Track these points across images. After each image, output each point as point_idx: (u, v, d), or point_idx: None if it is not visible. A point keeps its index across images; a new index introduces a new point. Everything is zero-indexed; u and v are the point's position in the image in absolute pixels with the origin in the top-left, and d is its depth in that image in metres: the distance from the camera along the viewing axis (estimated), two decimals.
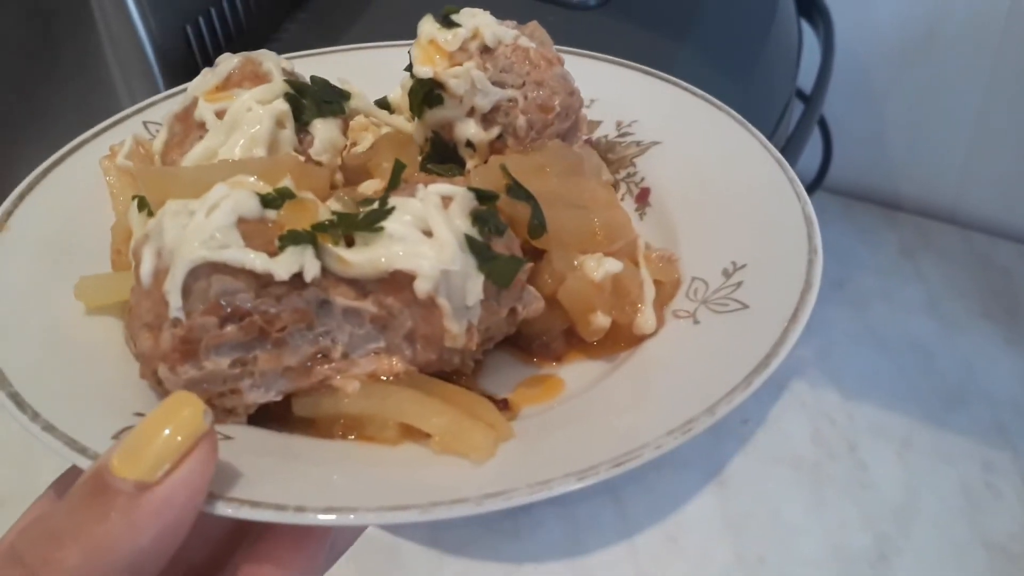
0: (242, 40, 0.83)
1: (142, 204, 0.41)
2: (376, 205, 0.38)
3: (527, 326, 0.41)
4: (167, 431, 0.29)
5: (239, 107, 0.41)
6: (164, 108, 0.49)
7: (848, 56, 0.97)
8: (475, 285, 0.37)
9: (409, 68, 0.44)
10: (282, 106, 0.41)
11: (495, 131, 0.43)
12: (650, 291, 0.43)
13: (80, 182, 0.47)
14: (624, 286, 0.42)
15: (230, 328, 0.33)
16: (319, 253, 0.35)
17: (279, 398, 0.37)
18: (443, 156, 0.44)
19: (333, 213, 0.37)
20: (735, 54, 0.81)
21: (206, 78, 0.44)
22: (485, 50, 0.43)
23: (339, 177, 0.44)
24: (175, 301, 0.33)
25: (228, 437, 0.35)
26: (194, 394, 0.31)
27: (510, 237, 0.39)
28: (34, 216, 0.46)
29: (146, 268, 0.34)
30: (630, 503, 0.80)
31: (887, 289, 1.01)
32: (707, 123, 0.52)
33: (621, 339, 0.42)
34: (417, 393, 0.37)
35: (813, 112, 0.88)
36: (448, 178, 0.43)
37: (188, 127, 0.43)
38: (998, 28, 0.93)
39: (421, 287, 0.36)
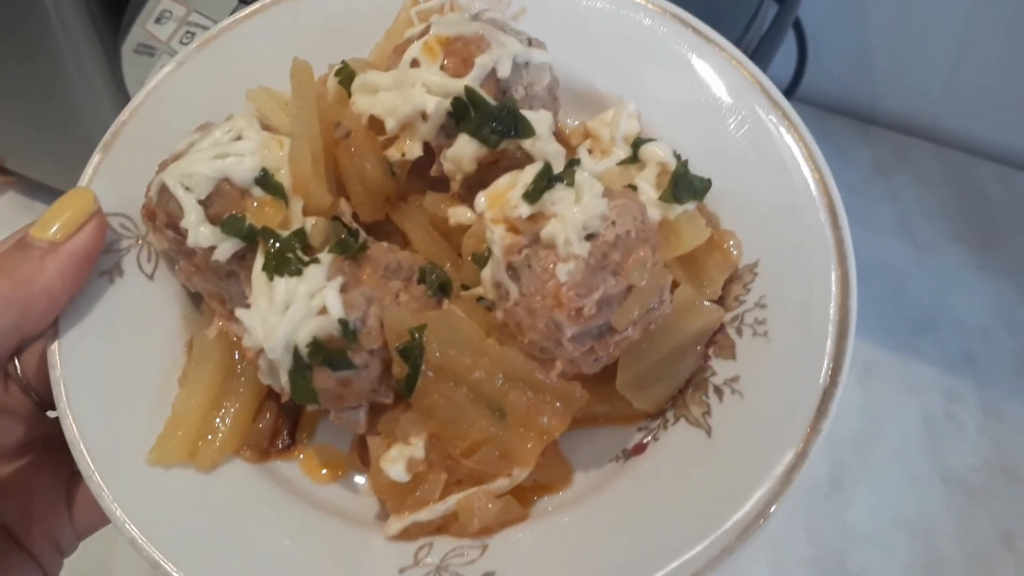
0: None
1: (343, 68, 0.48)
2: (302, 258, 0.42)
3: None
4: (71, 210, 0.43)
5: (415, 77, 0.44)
6: None
7: None
8: (278, 378, 0.42)
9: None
10: (431, 106, 0.43)
11: (492, 294, 0.43)
12: (422, 515, 0.43)
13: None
14: (400, 490, 0.43)
15: (169, 231, 0.44)
16: (251, 247, 0.43)
17: (192, 291, 0.47)
18: (486, 261, 0.44)
19: (296, 235, 0.43)
20: None
21: (457, 21, 0.46)
22: (537, 239, 0.41)
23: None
24: (153, 187, 0.44)
25: (150, 278, 0.47)
26: (88, 188, 0.45)
27: (350, 376, 0.42)
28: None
29: (179, 146, 0.45)
30: None
31: (859, 208, 0.97)
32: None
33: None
34: (206, 379, 0.45)
35: (788, 14, 0.82)
36: (402, 287, 0.44)
37: (404, 49, 0.46)
38: None
39: (245, 340, 0.42)
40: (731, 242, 0.46)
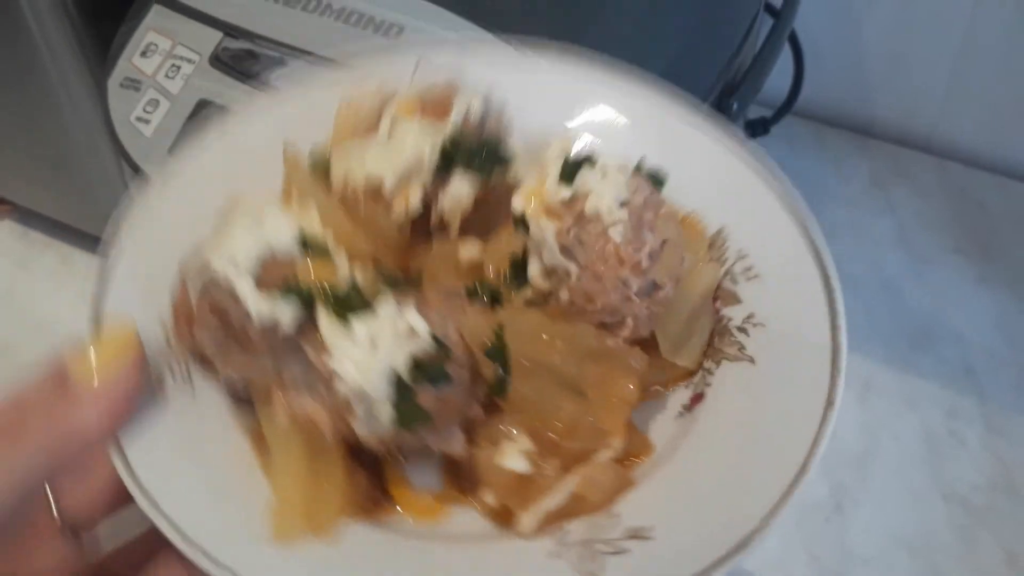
0: None
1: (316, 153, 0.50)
2: (368, 298, 0.43)
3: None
4: (111, 345, 0.42)
5: (404, 131, 0.47)
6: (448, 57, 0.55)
7: None
8: (384, 413, 0.41)
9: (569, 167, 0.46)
10: (427, 151, 0.46)
11: (548, 284, 0.45)
12: (551, 500, 0.44)
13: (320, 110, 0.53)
14: (522, 485, 0.44)
15: (216, 323, 0.43)
16: (307, 308, 0.42)
17: (242, 385, 0.45)
18: (521, 266, 0.46)
19: (348, 285, 0.43)
20: None
21: (418, 82, 0.50)
22: (582, 215, 0.44)
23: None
24: (192, 283, 0.43)
25: (194, 391, 0.46)
26: (129, 320, 0.44)
27: (448, 395, 0.42)
28: (265, 120, 0.54)
29: (205, 242, 0.44)
30: None
31: (856, 221, 0.96)
32: (808, 376, 0.47)
33: (501, 518, 0.45)
34: (295, 459, 0.44)
35: (783, 28, 0.82)
36: (464, 302, 0.46)
37: (378, 114, 0.49)
38: None
39: (339, 387, 0.41)
40: (693, 218, 0.52)
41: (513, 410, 0.44)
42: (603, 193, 0.44)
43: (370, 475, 0.46)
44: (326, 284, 0.43)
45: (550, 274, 0.45)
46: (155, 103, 0.67)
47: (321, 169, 0.48)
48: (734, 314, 0.49)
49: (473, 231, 0.48)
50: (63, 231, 0.96)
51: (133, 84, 0.68)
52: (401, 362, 0.41)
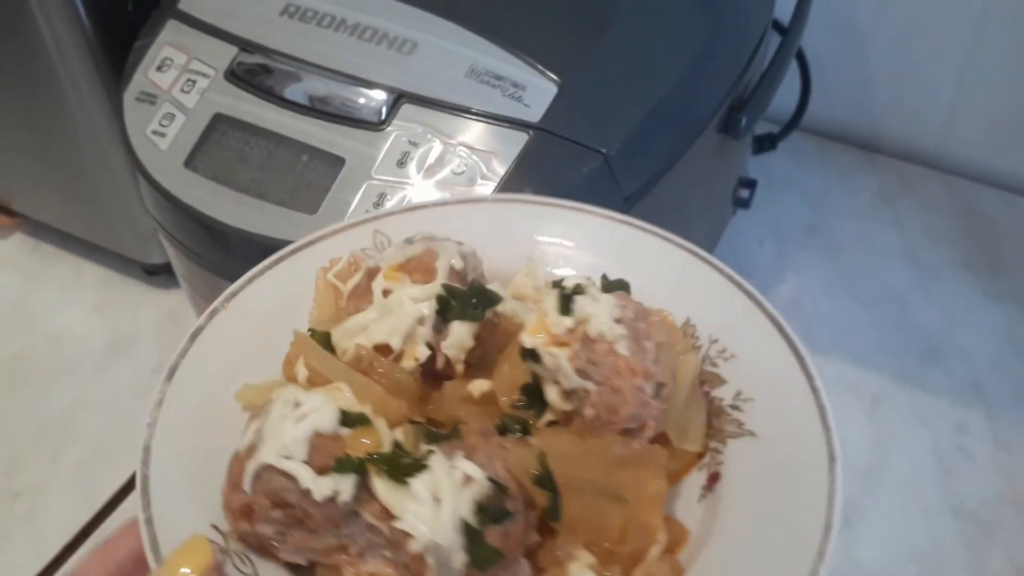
0: None
1: (314, 333, 0.52)
2: (420, 456, 0.46)
3: None
4: (188, 564, 0.43)
5: (397, 298, 0.50)
6: (400, 222, 0.58)
7: None
8: (458, 559, 0.44)
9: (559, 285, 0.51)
10: (426, 310, 0.50)
11: (569, 406, 0.49)
12: None
13: (302, 279, 0.55)
14: None
15: (276, 511, 0.44)
16: (365, 480, 0.45)
17: (304, 563, 0.47)
18: (534, 392, 0.50)
19: (393, 448, 0.46)
20: None
21: (396, 252, 0.53)
22: (587, 338, 0.48)
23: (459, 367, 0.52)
24: (247, 480, 0.45)
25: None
26: (206, 538, 0.45)
27: (511, 529, 0.45)
28: (250, 304, 0.55)
29: (245, 440, 0.46)
30: None
31: (863, 236, 0.96)
32: (809, 441, 0.50)
33: None
34: None
35: (791, 45, 0.82)
36: (500, 439, 0.49)
37: (367, 288, 0.52)
38: None
39: (413, 546, 0.43)
40: (661, 313, 0.54)
41: (567, 530, 0.47)
42: (599, 315, 0.49)
43: None
44: (376, 453, 0.45)
45: (569, 395, 0.49)
46: (171, 117, 0.67)
47: (323, 346, 0.52)
48: (723, 394, 0.53)
49: (473, 366, 0.52)
50: (73, 243, 0.97)
51: (149, 98, 0.69)
52: (466, 509, 0.44)
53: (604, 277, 0.54)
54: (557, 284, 0.53)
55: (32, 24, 0.74)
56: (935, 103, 0.99)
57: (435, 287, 0.51)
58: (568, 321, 0.49)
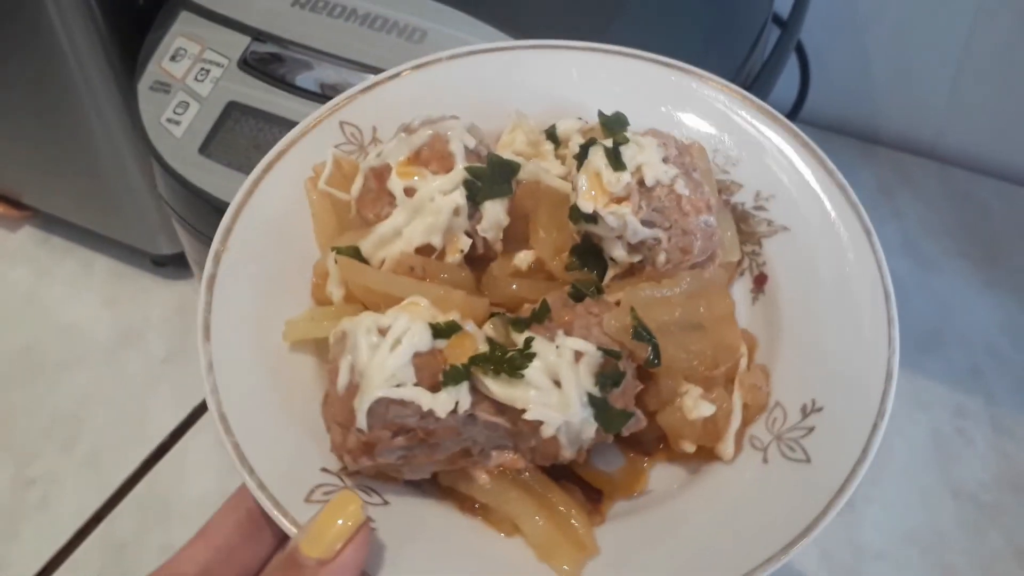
0: None
1: (342, 251, 0.50)
2: (522, 345, 0.45)
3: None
4: (339, 521, 0.42)
5: (424, 195, 0.48)
6: (360, 106, 0.56)
7: None
8: (590, 429, 0.45)
9: (585, 149, 0.50)
10: (459, 199, 0.48)
11: (637, 257, 0.49)
12: (736, 422, 0.48)
13: (286, 195, 0.53)
14: (714, 423, 0.48)
15: (399, 439, 0.44)
16: (472, 383, 0.45)
17: (428, 476, 0.47)
18: (589, 251, 0.50)
19: (488, 345, 0.46)
20: None
21: (400, 144, 0.50)
22: (643, 187, 0.48)
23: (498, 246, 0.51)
24: (361, 419, 0.44)
25: (386, 503, 0.47)
26: (355, 492, 0.44)
27: (627, 386, 0.46)
28: (247, 234, 0.52)
29: (342, 381, 0.45)
30: None
31: None
32: (840, 220, 0.54)
33: (703, 453, 0.49)
34: (526, 497, 0.47)
35: (790, 38, 0.83)
36: (586, 301, 0.48)
37: (381, 190, 0.49)
38: None
39: (546, 431, 0.44)
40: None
41: (667, 371, 0.48)
42: (650, 161, 0.48)
43: (573, 485, 0.49)
44: (479, 355, 0.45)
45: (636, 248, 0.49)
46: (185, 105, 0.69)
47: (353, 254, 0.50)
48: (743, 198, 0.54)
49: (510, 238, 0.51)
50: (84, 236, 0.98)
51: (163, 87, 0.70)
52: (589, 382, 0.45)
53: (601, 114, 0.52)
54: (551, 132, 0.52)
55: (45, 19, 0.75)
56: (933, 95, 1.00)
57: (459, 173, 0.49)
58: (625, 176, 0.48)
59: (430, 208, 0.48)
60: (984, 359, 0.87)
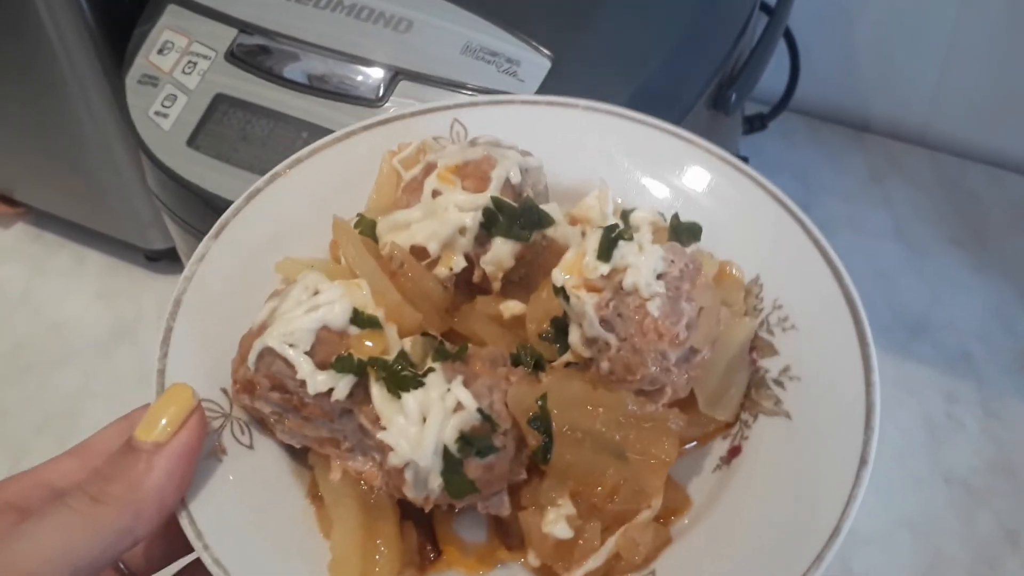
0: None
1: (362, 219, 0.52)
2: (421, 371, 0.45)
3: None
4: (172, 408, 0.44)
5: (443, 203, 0.49)
6: (482, 114, 0.56)
7: None
8: (435, 481, 0.44)
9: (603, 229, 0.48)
10: (470, 221, 0.49)
11: (588, 353, 0.47)
12: (594, 564, 0.45)
13: (367, 158, 0.54)
14: (568, 550, 0.46)
15: (275, 394, 0.45)
16: (360, 380, 0.45)
17: (298, 447, 0.48)
18: (562, 328, 0.48)
19: (397, 356, 0.45)
20: None
21: (456, 152, 0.51)
22: (620, 288, 0.46)
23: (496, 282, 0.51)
24: (251, 357, 0.45)
25: (251, 448, 0.48)
26: (190, 388, 0.45)
27: (495, 462, 0.45)
28: (313, 173, 0.53)
29: (259, 317, 0.47)
30: None
31: (853, 215, 0.98)
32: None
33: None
34: (356, 510, 0.47)
35: (777, 24, 0.83)
36: (508, 370, 0.47)
37: (421, 183, 0.51)
38: None
39: (392, 460, 0.44)
40: (731, 266, 0.52)
41: (556, 475, 0.46)
42: (640, 267, 0.45)
43: (420, 530, 0.48)
44: (378, 358, 0.45)
45: (591, 343, 0.47)
46: (173, 98, 0.69)
47: (368, 234, 0.51)
48: (771, 366, 0.50)
49: (514, 284, 0.50)
50: (76, 231, 0.98)
51: (151, 80, 0.70)
52: (450, 436, 0.44)
53: (675, 217, 0.50)
54: (626, 215, 0.49)
55: (33, 14, 0.76)
56: (922, 82, 1.00)
57: (483, 198, 0.49)
58: (604, 267, 0.46)
59: (442, 216, 0.49)
60: (974, 344, 0.87)
